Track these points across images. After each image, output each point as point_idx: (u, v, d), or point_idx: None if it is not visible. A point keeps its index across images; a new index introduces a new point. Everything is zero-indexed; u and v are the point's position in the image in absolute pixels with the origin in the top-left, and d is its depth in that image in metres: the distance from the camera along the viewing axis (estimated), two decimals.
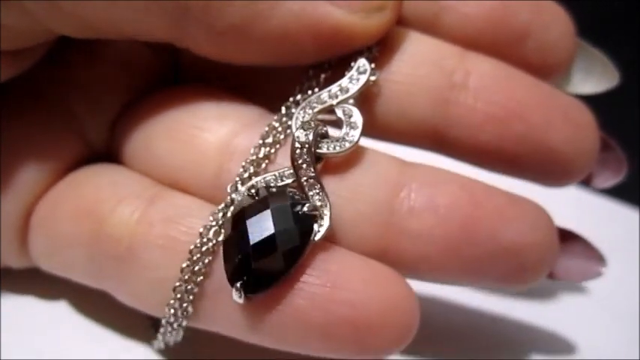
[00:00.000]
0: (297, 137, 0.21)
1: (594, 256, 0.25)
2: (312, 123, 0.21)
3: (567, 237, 0.24)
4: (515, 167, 0.23)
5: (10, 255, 0.25)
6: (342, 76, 0.22)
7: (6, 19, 0.20)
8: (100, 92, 0.25)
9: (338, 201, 0.21)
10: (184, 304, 0.21)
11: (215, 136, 0.23)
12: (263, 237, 0.20)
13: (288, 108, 0.23)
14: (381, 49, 0.23)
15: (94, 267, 0.23)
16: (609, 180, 0.25)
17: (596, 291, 0.30)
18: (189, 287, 0.21)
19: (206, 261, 0.21)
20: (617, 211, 0.33)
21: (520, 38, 0.24)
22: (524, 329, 0.28)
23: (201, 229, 0.21)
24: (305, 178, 0.21)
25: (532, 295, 0.29)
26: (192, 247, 0.21)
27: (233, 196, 0.21)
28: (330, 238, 0.21)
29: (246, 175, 0.22)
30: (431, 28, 0.24)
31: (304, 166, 0.21)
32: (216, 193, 0.22)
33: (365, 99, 0.23)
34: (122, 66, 0.25)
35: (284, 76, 0.23)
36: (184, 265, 0.21)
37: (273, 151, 0.22)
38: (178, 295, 0.21)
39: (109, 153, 0.25)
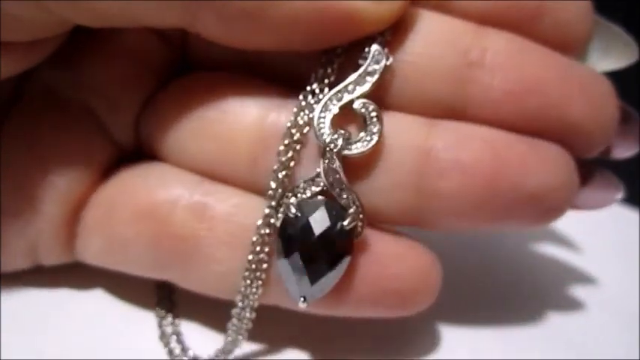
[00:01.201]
0: (326, 150, 0.22)
1: (611, 185, 0.26)
2: (337, 134, 0.22)
3: (586, 170, 0.25)
4: None
5: (53, 254, 0.26)
6: (356, 63, 0.22)
7: (18, 11, 0.21)
8: (118, 92, 0.25)
9: (371, 172, 0.23)
10: (254, 289, 0.23)
11: (242, 125, 0.23)
12: (316, 263, 0.22)
13: (305, 99, 0.23)
14: (394, 30, 0.23)
15: (157, 263, 0.24)
16: (629, 150, 0.25)
17: (596, 291, 0.30)
18: (257, 274, 0.23)
19: (266, 249, 0.23)
20: (618, 211, 0.33)
21: (535, 16, 0.24)
22: (524, 329, 0.27)
23: (259, 223, 0.23)
24: (337, 187, 0.22)
25: (531, 295, 0.29)
26: (254, 239, 0.23)
27: (273, 203, 0.23)
28: (369, 208, 0.22)
29: (279, 177, 0.23)
30: (444, 7, 0.24)
31: (334, 173, 0.22)
32: (256, 180, 0.23)
33: (380, 82, 0.23)
34: (135, 63, 0.25)
35: (296, 61, 0.23)
36: (250, 257, 0.23)
37: (298, 148, 0.22)
38: (249, 282, 0.23)
39: (139, 151, 0.26)
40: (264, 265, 0.23)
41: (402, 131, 0.23)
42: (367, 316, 0.24)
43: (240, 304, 0.23)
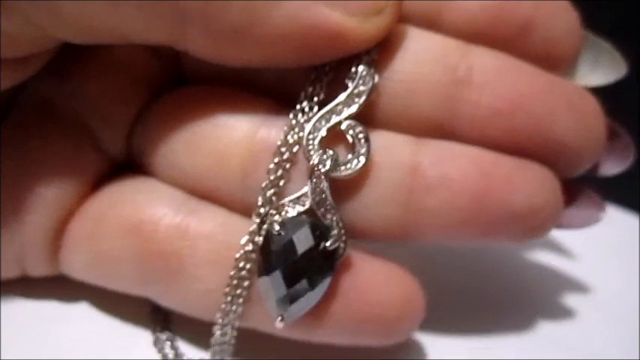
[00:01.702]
0: (314, 172, 0.22)
1: (595, 204, 0.26)
2: (325, 155, 0.22)
3: (570, 189, 0.25)
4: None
5: (38, 266, 0.25)
6: (345, 81, 0.23)
7: (7, 27, 0.21)
8: (110, 105, 0.25)
9: (360, 187, 0.23)
10: (233, 313, 0.23)
11: (233, 140, 0.23)
12: (297, 282, 0.22)
13: (295, 118, 0.23)
14: (382, 47, 0.23)
15: (140, 280, 0.24)
16: (616, 167, 0.25)
17: (595, 295, 0.30)
18: (237, 298, 0.23)
19: (245, 284, 0.23)
20: (617, 216, 0.33)
21: (524, 31, 0.24)
22: (523, 334, 0.28)
23: (242, 241, 0.23)
24: (322, 208, 0.22)
25: (528, 301, 0.29)
26: (235, 260, 0.23)
27: (257, 220, 0.23)
28: (356, 223, 0.23)
29: (267, 195, 0.23)
30: (433, 24, 0.24)
31: (322, 195, 0.22)
32: (245, 195, 0.23)
33: (367, 102, 0.23)
34: (128, 77, 0.25)
35: (285, 77, 0.23)
36: (230, 280, 0.23)
37: (287, 167, 0.23)
38: (228, 299, 0.23)
39: (130, 164, 0.26)
40: (246, 283, 0.23)
41: (390, 148, 0.23)
42: (348, 343, 0.24)
43: (220, 321, 0.24)
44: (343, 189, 0.23)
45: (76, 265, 0.25)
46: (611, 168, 0.25)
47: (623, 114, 0.25)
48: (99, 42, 0.23)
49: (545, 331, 0.28)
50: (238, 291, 0.23)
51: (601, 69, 0.25)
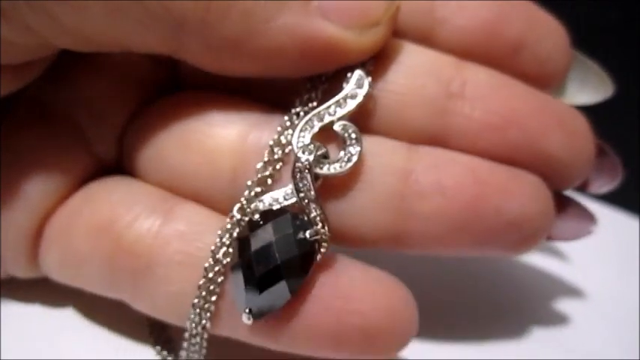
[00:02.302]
0: (298, 160, 0.22)
1: (585, 217, 0.26)
2: (313, 145, 0.22)
3: (562, 201, 0.25)
4: None
5: (19, 265, 0.25)
6: (340, 88, 0.23)
7: (8, 35, 0.21)
8: (104, 106, 0.25)
9: (352, 192, 0.22)
10: (203, 320, 0.22)
11: (224, 140, 0.23)
12: (269, 268, 0.21)
13: (290, 120, 0.23)
14: (378, 59, 0.23)
15: (110, 280, 0.24)
16: (605, 185, 0.26)
17: (595, 298, 0.30)
18: (206, 305, 0.22)
19: (219, 280, 0.22)
20: (617, 218, 0.34)
21: (515, 50, 0.24)
22: (523, 336, 0.28)
23: (212, 248, 0.22)
24: (306, 201, 0.22)
25: (530, 301, 0.29)
26: (206, 265, 0.22)
27: (237, 216, 0.22)
28: (349, 229, 0.22)
29: (252, 193, 0.22)
30: (427, 40, 0.24)
31: (305, 188, 0.22)
32: (234, 195, 0.23)
33: (362, 109, 0.23)
34: (123, 79, 0.25)
35: (282, 86, 0.24)
36: (201, 282, 0.22)
37: (278, 167, 0.23)
38: (197, 310, 0.22)
39: (120, 166, 0.26)
40: (214, 297, 0.22)
41: (384, 153, 0.23)
42: (329, 355, 0.22)
43: (190, 331, 0.23)
44: (334, 193, 0.23)
45: (51, 264, 0.25)
46: (600, 186, 0.26)
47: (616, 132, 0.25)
48: (98, 50, 0.23)
49: (545, 332, 0.28)
50: (207, 305, 0.22)
51: (589, 88, 0.26)
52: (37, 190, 0.24)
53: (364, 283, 0.22)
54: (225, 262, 0.22)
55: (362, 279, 0.22)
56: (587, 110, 0.25)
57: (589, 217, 0.26)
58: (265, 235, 0.21)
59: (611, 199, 0.31)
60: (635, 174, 0.26)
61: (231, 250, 0.22)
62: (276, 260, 0.21)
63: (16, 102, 0.25)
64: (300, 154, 0.22)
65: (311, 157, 0.22)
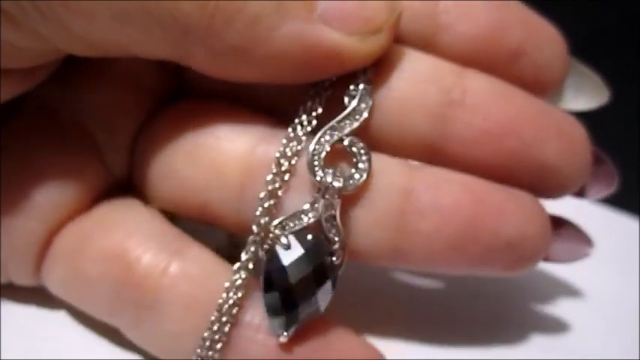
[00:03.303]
0: (326, 187, 0.22)
1: (582, 239, 0.26)
2: (339, 170, 0.22)
3: (558, 223, 0.26)
4: (509, 181, 0.24)
5: (22, 273, 0.25)
6: (343, 96, 0.23)
7: (16, 40, 0.21)
8: (114, 114, 0.25)
9: (353, 209, 0.23)
10: (211, 353, 0.23)
11: (233, 154, 0.24)
12: (307, 295, 0.22)
13: (294, 130, 0.23)
14: (379, 65, 0.23)
15: (112, 308, 0.24)
16: (601, 192, 0.26)
17: (595, 299, 0.30)
18: (216, 337, 0.23)
19: (233, 312, 0.23)
20: (618, 220, 0.34)
21: (514, 57, 0.25)
22: (523, 339, 0.28)
23: (227, 284, 0.23)
24: (329, 225, 0.22)
25: (531, 302, 0.30)
26: (220, 300, 0.23)
27: (252, 249, 0.23)
28: (349, 242, 0.23)
29: (265, 205, 0.23)
30: (428, 45, 0.24)
31: (332, 212, 0.22)
32: (241, 207, 0.23)
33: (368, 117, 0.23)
34: (132, 88, 0.25)
35: (286, 91, 0.24)
36: (213, 317, 0.23)
37: (286, 178, 0.23)
38: (207, 344, 0.23)
39: (130, 177, 0.26)
40: (227, 328, 0.23)
41: (386, 171, 0.23)
42: None
43: None
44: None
45: (54, 279, 0.25)
46: (597, 193, 0.26)
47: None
48: (104, 55, 0.23)
49: (545, 333, 0.28)
50: (217, 336, 0.23)
51: (585, 95, 0.26)
52: (49, 198, 0.24)
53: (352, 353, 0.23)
54: (239, 294, 0.23)
55: (350, 349, 0.23)
56: (587, 111, 0.26)
57: (586, 240, 0.26)
58: (303, 266, 0.22)
59: (612, 200, 0.31)
60: (635, 175, 0.26)
61: (239, 295, 0.23)
62: (314, 289, 0.22)
63: (21, 105, 0.25)
64: (328, 179, 0.22)
65: (340, 184, 0.22)
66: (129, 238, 0.24)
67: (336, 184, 0.22)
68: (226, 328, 0.23)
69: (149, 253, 0.23)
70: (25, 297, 0.26)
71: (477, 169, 0.24)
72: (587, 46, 0.27)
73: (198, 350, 0.23)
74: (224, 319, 0.23)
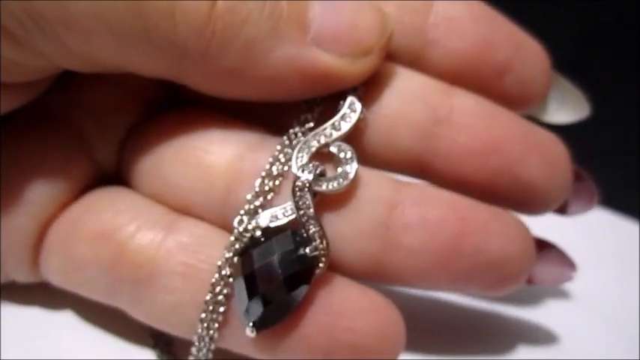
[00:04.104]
0: (297, 179, 0.22)
1: (566, 263, 0.27)
2: (311, 165, 0.23)
3: (542, 246, 0.26)
4: (493, 197, 0.25)
5: (20, 270, 0.26)
6: (335, 111, 0.24)
7: (17, 57, 0.22)
8: (106, 115, 0.26)
9: (338, 219, 0.23)
10: (210, 332, 0.23)
11: (221, 158, 0.24)
12: (272, 284, 0.22)
13: (288, 139, 0.24)
14: (370, 84, 0.24)
15: (110, 288, 0.24)
16: (582, 209, 0.27)
17: (596, 302, 0.30)
18: (213, 316, 0.23)
19: (225, 292, 0.23)
20: (617, 223, 0.34)
21: (501, 73, 0.25)
22: (524, 340, 0.28)
23: (219, 263, 0.23)
24: (305, 218, 0.22)
25: (531, 303, 0.30)
26: (213, 280, 0.23)
27: (240, 229, 0.23)
28: (332, 256, 0.23)
29: (251, 206, 0.23)
30: (417, 61, 0.25)
31: (304, 205, 0.22)
32: (225, 212, 0.24)
33: (355, 131, 0.24)
34: (127, 89, 0.26)
35: (279, 106, 0.24)
36: (207, 297, 0.23)
37: (277, 183, 0.23)
38: (205, 324, 0.23)
39: (118, 175, 0.26)
40: (222, 309, 0.23)
41: (373, 183, 0.23)
42: None
43: (196, 344, 0.23)
44: (322, 219, 0.23)
45: (51, 269, 0.25)
46: (577, 210, 0.27)
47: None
48: (103, 72, 0.23)
49: (545, 334, 0.29)
50: (214, 315, 0.23)
51: (567, 108, 0.27)
52: (39, 194, 0.25)
53: (355, 300, 0.23)
54: (230, 277, 0.23)
55: (353, 297, 0.23)
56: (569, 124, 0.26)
57: (569, 264, 0.27)
58: (268, 252, 0.22)
59: (612, 203, 0.31)
60: (635, 177, 0.26)
61: (230, 279, 0.23)
62: (278, 276, 0.22)
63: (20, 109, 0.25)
64: (299, 173, 0.23)
65: (310, 176, 0.22)
66: (119, 216, 0.24)
67: (303, 177, 0.22)
68: (227, 290, 0.23)
69: (141, 228, 0.24)
70: (25, 297, 0.27)
71: (463, 185, 0.24)
72: (585, 47, 0.27)
73: (203, 315, 0.23)
74: (219, 297, 0.23)
